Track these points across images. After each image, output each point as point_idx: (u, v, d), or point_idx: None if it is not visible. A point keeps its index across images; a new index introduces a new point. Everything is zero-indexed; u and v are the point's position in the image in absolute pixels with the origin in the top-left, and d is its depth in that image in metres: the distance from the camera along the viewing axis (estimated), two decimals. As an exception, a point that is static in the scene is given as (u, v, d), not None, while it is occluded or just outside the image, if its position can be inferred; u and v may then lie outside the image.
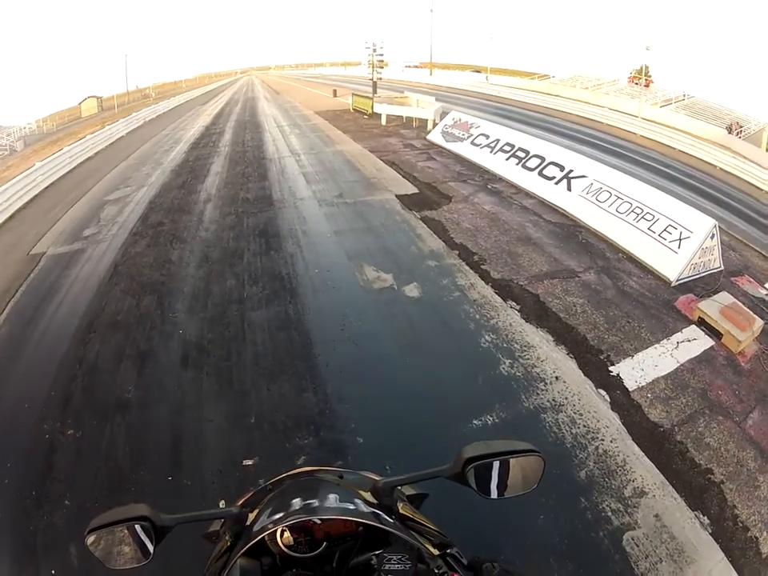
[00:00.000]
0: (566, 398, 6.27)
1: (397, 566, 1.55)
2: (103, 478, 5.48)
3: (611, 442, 5.63)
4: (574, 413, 6.04)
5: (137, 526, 1.65)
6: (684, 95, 38.53)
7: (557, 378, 6.64)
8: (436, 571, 1.64)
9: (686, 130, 29.62)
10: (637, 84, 43.52)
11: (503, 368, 6.84)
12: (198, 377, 6.97)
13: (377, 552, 1.70)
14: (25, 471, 5.74)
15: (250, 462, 5.46)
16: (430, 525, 1.98)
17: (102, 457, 5.78)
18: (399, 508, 1.87)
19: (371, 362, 7.13)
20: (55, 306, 9.33)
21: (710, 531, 4.76)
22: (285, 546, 1.79)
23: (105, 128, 31.53)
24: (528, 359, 7.02)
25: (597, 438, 5.68)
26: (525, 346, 7.30)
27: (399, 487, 1.97)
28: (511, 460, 1.70)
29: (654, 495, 5.01)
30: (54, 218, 15.17)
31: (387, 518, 1.70)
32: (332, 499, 1.71)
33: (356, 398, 6.35)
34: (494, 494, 1.73)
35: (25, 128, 42.81)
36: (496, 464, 1.69)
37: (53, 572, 4.67)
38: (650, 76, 44.12)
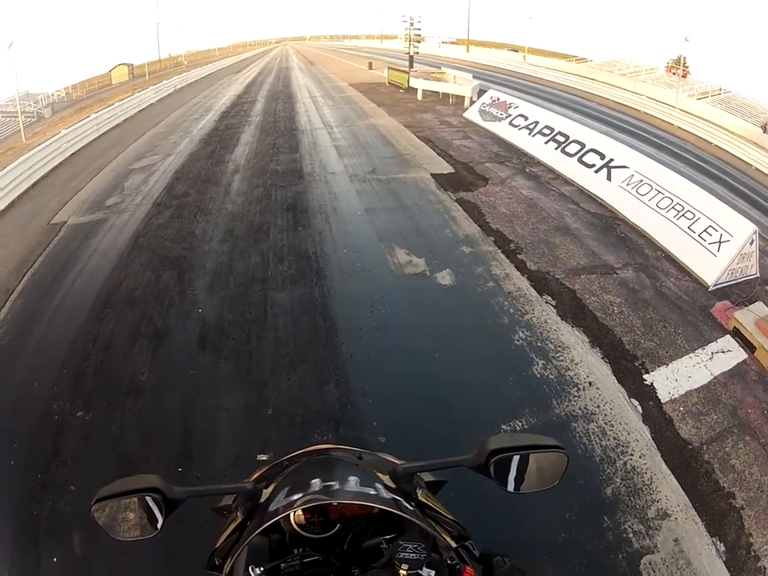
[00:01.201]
0: (598, 407, 5.94)
1: (412, 554, 1.49)
2: (111, 464, 5.23)
3: (640, 457, 5.36)
4: (605, 423, 5.73)
5: (147, 498, 1.54)
6: (720, 89, 37.12)
7: (590, 383, 6.28)
8: (449, 562, 1.58)
9: (721, 125, 28.58)
10: (674, 74, 42.30)
11: (536, 369, 6.45)
12: (215, 361, 6.65)
13: (387, 537, 1.67)
14: (31, 453, 5.53)
15: (264, 458, 5.09)
16: (448, 515, 1.86)
17: (111, 442, 5.54)
18: (418, 495, 1.79)
19: (398, 355, 6.74)
20: (72, 279, 9.08)
21: (725, 559, 4.56)
22: (297, 524, 1.74)
23: (134, 95, 31.26)
24: (562, 361, 6.62)
25: (626, 452, 5.40)
26: (559, 347, 6.87)
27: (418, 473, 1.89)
28: (535, 455, 1.63)
29: (677, 518, 4.79)
30: (77, 187, 14.93)
31: (407, 506, 1.62)
32: (352, 482, 1.63)
33: (380, 393, 6.00)
34: (515, 488, 1.65)
35: (53, 95, 42.67)
36: (519, 458, 1.62)
37: (54, 559, 4.50)
38: (687, 67, 42.84)
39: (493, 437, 1.64)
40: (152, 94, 33.05)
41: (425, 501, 1.80)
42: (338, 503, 1.68)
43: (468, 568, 1.57)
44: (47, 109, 38.46)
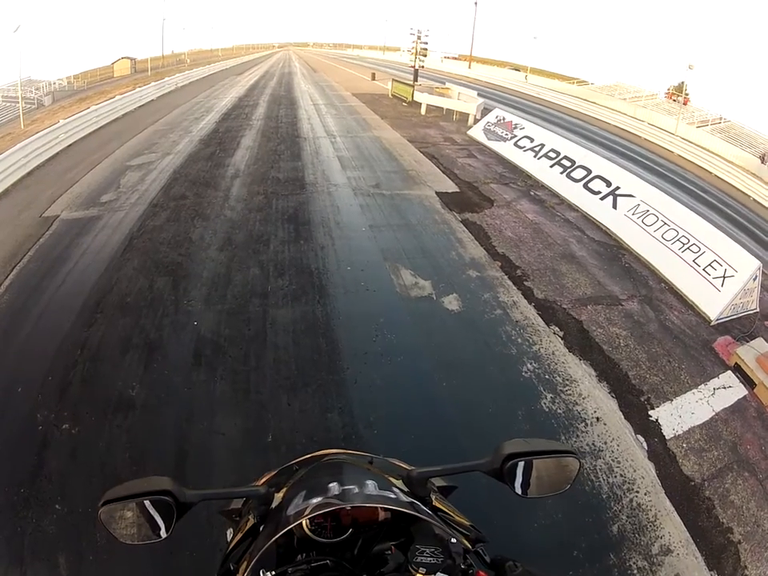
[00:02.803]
0: (606, 443, 5.89)
1: (430, 558, 1.49)
2: (97, 485, 4.91)
3: (645, 494, 5.35)
4: (612, 460, 5.69)
5: (157, 501, 1.51)
6: (721, 118, 37.47)
7: (597, 419, 6.22)
8: (462, 567, 1.53)
9: (720, 154, 28.71)
10: (675, 101, 42.66)
11: (544, 403, 6.33)
12: (210, 380, 6.33)
13: (395, 542, 1.64)
14: (13, 465, 5.25)
15: (262, 488, 4.80)
16: (464, 518, 1.89)
17: (99, 461, 5.25)
18: (433, 499, 1.79)
19: (404, 382, 6.51)
20: (62, 278, 8.72)
21: (721, 593, 4.71)
22: (308, 528, 1.72)
23: (135, 90, 30.90)
24: (570, 395, 6.53)
25: (632, 489, 5.38)
26: (567, 380, 6.78)
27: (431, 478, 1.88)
28: (549, 460, 1.67)
29: (678, 554, 4.84)
30: (73, 180, 14.55)
31: (426, 510, 1.62)
32: (371, 486, 1.62)
33: (385, 423, 5.77)
34: (530, 493, 1.67)
35: (55, 83, 42.15)
36: (534, 462, 1.65)
37: None
38: (687, 94, 43.20)
39: (507, 441, 1.67)
40: (153, 90, 32.72)
41: (438, 506, 1.81)
42: (352, 507, 1.65)
43: (481, 572, 1.55)
44: (48, 96, 37.98)
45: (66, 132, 19.15)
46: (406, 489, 1.73)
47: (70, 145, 19.13)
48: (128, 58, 58.42)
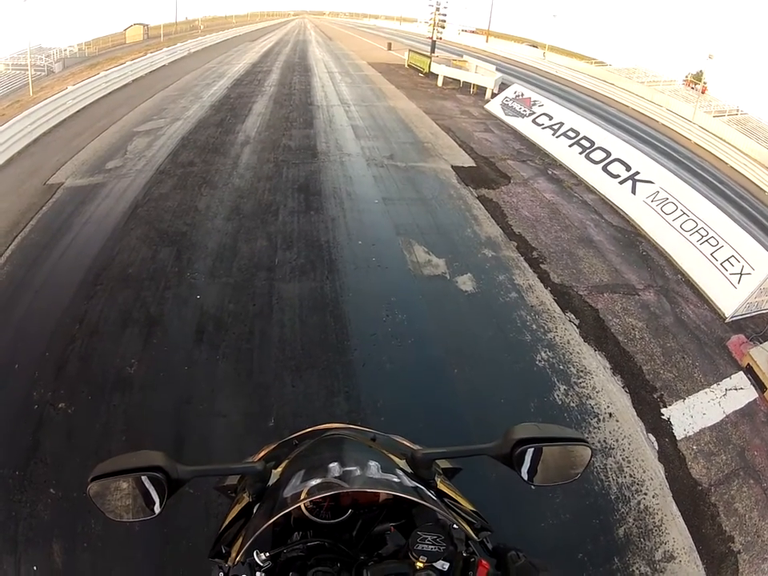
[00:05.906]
0: (617, 441, 5.76)
1: (431, 546, 1.39)
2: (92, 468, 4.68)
3: (653, 497, 5.25)
4: (623, 459, 5.57)
5: (149, 477, 1.42)
6: (738, 110, 36.82)
7: (610, 414, 6.06)
8: (464, 554, 1.50)
9: (736, 146, 28.18)
10: (693, 89, 42.00)
11: (557, 395, 6.20)
12: (212, 358, 6.13)
13: (395, 523, 1.59)
14: (8, 445, 5.16)
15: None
16: (469, 505, 1.81)
17: (95, 443, 5.14)
18: (437, 482, 1.70)
19: (415, 367, 6.30)
20: (63, 248, 8.51)
21: (718, 602, 4.68)
22: (305, 508, 1.66)
23: (147, 55, 30.41)
24: (583, 387, 6.37)
25: (641, 491, 5.28)
26: (581, 371, 6.62)
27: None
28: (560, 447, 1.59)
29: (681, 561, 4.80)
30: (78, 146, 14.23)
31: (430, 495, 1.55)
32: (373, 468, 1.54)
33: (394, 411, 5.56)
34: (538, 481, 1.58)
35: (66, 50, 41.68)
36: (545, 449, 1.56)
37: (34, 568, 4.21)
38: (705, 83, 42.60)
39: (518, 425, 1.58)
40: (165, 56, 32.24)
41: (444, 489, 1.74)
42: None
43: (483, 561, 1.50)
44: (58, 63, 37.49)
45: (74, 98, 18.86)
46: (409, 470, 1.65)
47: (78, 111, 18.81)
48: (140, 24, 57.65)
